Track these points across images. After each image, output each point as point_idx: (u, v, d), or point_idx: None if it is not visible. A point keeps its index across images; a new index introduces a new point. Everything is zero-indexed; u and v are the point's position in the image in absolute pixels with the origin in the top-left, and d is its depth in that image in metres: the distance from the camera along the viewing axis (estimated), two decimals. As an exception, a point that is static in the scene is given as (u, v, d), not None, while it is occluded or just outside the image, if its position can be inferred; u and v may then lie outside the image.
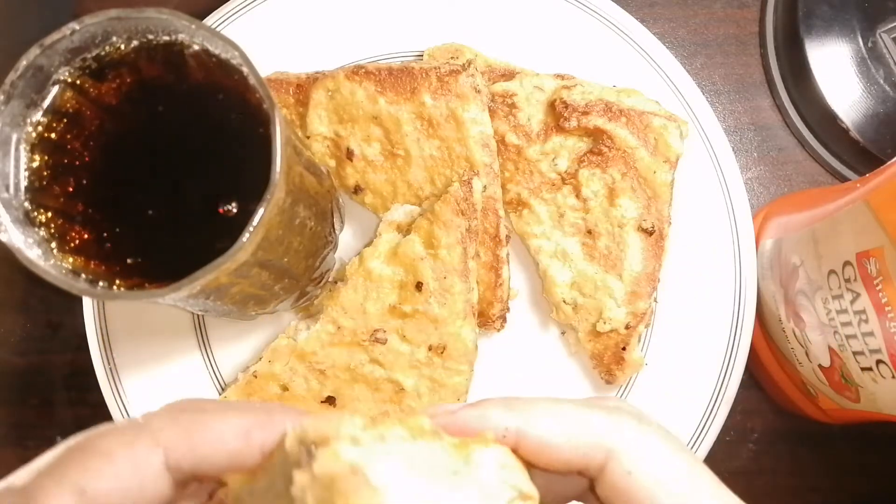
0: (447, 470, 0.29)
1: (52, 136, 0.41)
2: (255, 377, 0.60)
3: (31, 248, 0.39)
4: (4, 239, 0.38)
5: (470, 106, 0.60)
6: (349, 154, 0.61)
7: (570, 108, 0.61)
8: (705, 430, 0.63)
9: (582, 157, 0.62)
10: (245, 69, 0.39)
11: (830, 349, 0.55)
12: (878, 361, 0.49)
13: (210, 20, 0.66)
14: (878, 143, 0.67)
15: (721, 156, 0.65)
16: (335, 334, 0.59)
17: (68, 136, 0.41)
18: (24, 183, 0.40)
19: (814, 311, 0.55)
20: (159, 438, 0.31)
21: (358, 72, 0.60)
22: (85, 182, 0.41)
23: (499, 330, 0.63)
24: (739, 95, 0.73)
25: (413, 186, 0.61)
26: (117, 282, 0.40)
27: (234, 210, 0.41)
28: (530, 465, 0.33)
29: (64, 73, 0.40)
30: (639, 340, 0.63)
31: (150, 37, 0.41)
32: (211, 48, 0.40)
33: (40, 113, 0.40)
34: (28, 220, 0.40)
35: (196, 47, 0.40)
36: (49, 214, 0.40)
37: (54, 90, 0.40)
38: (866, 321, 0.49)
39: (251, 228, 0.37)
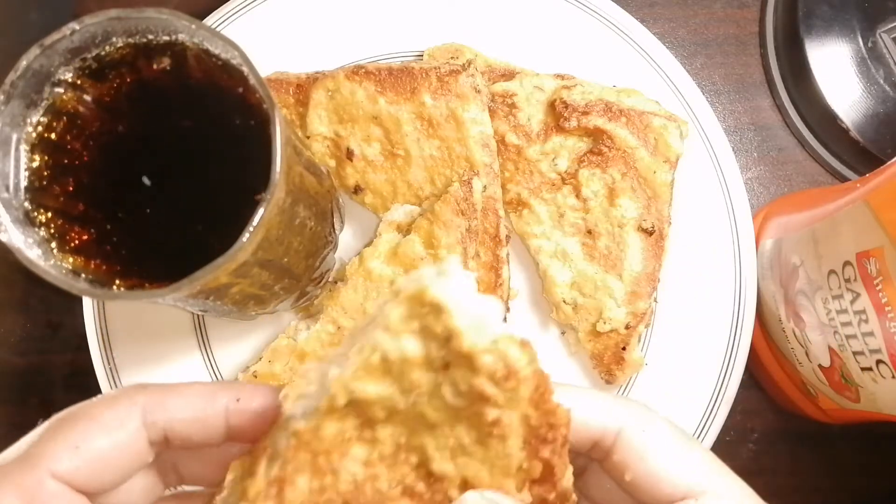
0: None
1: (52, 136, 0.41)
2: (255, 377, 0.60)
3: (31, 248, 0.39)
4: (4, 239, 0.38)
5: (470, 106, 0.60)
6: (349, 154, 0.61)
7: (570, 108, 0.61)
8: (705, 430, 0.63)
9: (582, 157, 0.62)
10: (245, 69, 0.39)
11: (830, 349, 0.55)
12: (878, 361, 0.49)
13: (210, 20, 0.66)
14: (878, 143, 0.67)
15: (721, 156, 0.65)
16: (335, 334, 0.59)
17: (68, 136, 0.41)
18: (24, 183, 0.40)
19: (814, 311, 0.55)
20: (136, 400, 0.36)
21: (358, 72, 0.60)
22: (85, 182, 0.41)
23: (499, 330, 0.63)
24: (739, 95, 0.73)
25: (413, 186, 0.61)
26: (117, 282, 0.40)
27: (234, 210, 0.41)
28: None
29: (64, 73, 0.40)
30: (639, 340, 0.63)
31: (150, 37, 0.40)
32: (211, 48, 0.40)
33: (40, 113, 0.40)
34: (28, 220, 0.40)
35: (196, 47, 0.40)
36: (49, 214, 0.40)
37: (54, 90, 0.40)
38: (866, 321, 0.49)
39: (251, 228, 0.37)
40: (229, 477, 0.38)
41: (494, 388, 0.34)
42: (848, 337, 0.52)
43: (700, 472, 0.37)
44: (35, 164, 0.40)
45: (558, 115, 0.61)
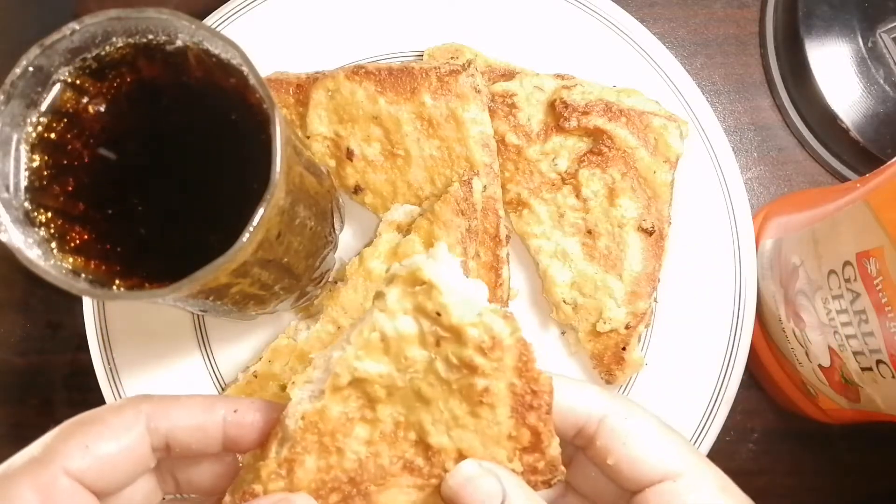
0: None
1: (52, 136, 0.41)
2: (255, 377, 0.60)
3: (31, 248, 0.39)
4: (4, 239, 0.38)
5: (470, 106, 0.60)
6: (349, 154, 0.61)
7: (570, 108, 0.61)
8: (705, 430, 0.63)
9: (582, 157, 0.62)
10: (245, 69, 0.39)
11: (830, 349, 0.55)
12: (878, 361, 0.49)
13: (210, 20, 0.66)
14: (878, 143, 0.67)
15: (721, 156, 0.65)
16: (335, 334, 0.59)
17: (68, 136, 0.41)
18: (24, 183, 0.40)
19: (814, 311, 0.55)
20: (141, 408, 0.39)
21: (358, 72, 0.60)
22: (85, 182, 0.41)
23: (499, 330, 0.63)
24: (739, 95, 0.73)
25: (413, 186, 0.61)
26: (117, 282, 0.40)
27: (234, 210, 0.41)
28: None
29: (64, 73, 0.40)
30: (639, 340, 0.63)
31: (150, 37, 0.40)
32: (211, 48, 0.40)
33: (40, 113, 0.40)
34: (28, 220, 0.40)
35: (196, 47, 0.40)
36: (49, 214, 0.40)
37: (54, 90, 0.40)
38: (866, 321, 0.49)
39: (251, 228, 0.37)
40: (245, 458, 0.41)
41: (482, 358, 0.38)
42: (848, 337, 0.52)
43: (677, 456, 0.39)
44: (35, 164, 0.40)
45: (558, 115, 0.61)
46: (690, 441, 0.62)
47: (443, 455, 0.39)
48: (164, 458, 0.41)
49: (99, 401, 0.63)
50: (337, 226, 0.57)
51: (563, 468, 0.41)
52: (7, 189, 0.39)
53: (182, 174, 0.44)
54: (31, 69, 0.39)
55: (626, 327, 0.61)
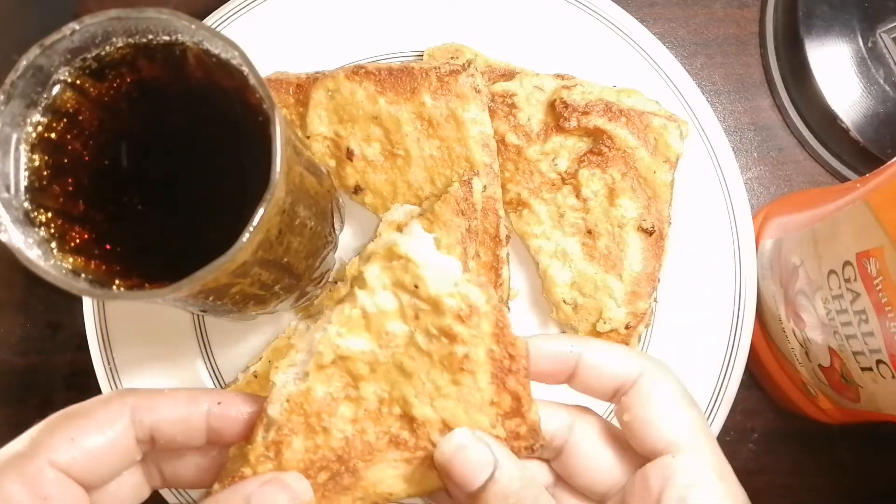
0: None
1: (52, 136, 0.41)
2: (255, 377, 0.60)
3: (31, 248, 0.39)
4: (4, 239, 0.38)
5: (470, 106, 0.60)
6: (349, 154, 0.61)
7: (570, 108, 0.61)
8: (705, 430, 0.63)
9: (582, 157, 0.62)
10: (245, 69, 0.39)
11: (830, 349, 0.55)
12: (878, 361, 0.49)
13: (210, 20, 0.66)
14: (878, 143, 0.67)
15: (721, 156, 0.65)
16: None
17: (68, 136, 0.41)
18: (24, 183, 0.40)
19: (814, 311, 0.55)
20: (126, 401, 0.40)
21: (358, 72, 0.60)
22: (85, 182, 0.41)
23: (499, 330, 0.63)
24: (739, 95, 0.73)
25: (413, 186, 0.61)
26: (117, 282, 0.40)
27: (234, 210, 0.41)
28: (581, 389, 0.43)
29: (64, 73, 0.40)
30: (639, 340, 0.63)
31: (150, 37, 0.40)
32: (211, 48, 0.40)
33: (40, 113, 0.40)
34: (28, 220, 0.40)
35: (196, 47, 0.40)
36: (49, 214, 0.40)
37: (54, 90, 0.40)
38: (866, 321, 0.49)
39: (251, 228, 0.37)
40: (232, 451, 0.42)
41: (461, 326, 0.39)
42: (848, 337, 0.52)
43: (685, 431, 0.40)
44: (35, 164, 0.40)
45: (558, 115, 0.61)
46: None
47: (427, 426, 0.40)
48: (149, 450, 0.41)
49: (99, 401, 0.63)
50: (337, 226, 0.57)
51: (544, 434, 0.42)
52: (7, 189, 0.39)
53: (182, 174, 0.44)
54: (31, 69, 0.39)
55: (626, 327, 0.61)
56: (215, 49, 0.40)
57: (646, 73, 0.65)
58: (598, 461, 0.43)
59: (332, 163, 0.62)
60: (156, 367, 0.64)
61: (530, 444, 0.42)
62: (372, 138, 0.61)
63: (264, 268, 0.44)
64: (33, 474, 0.36)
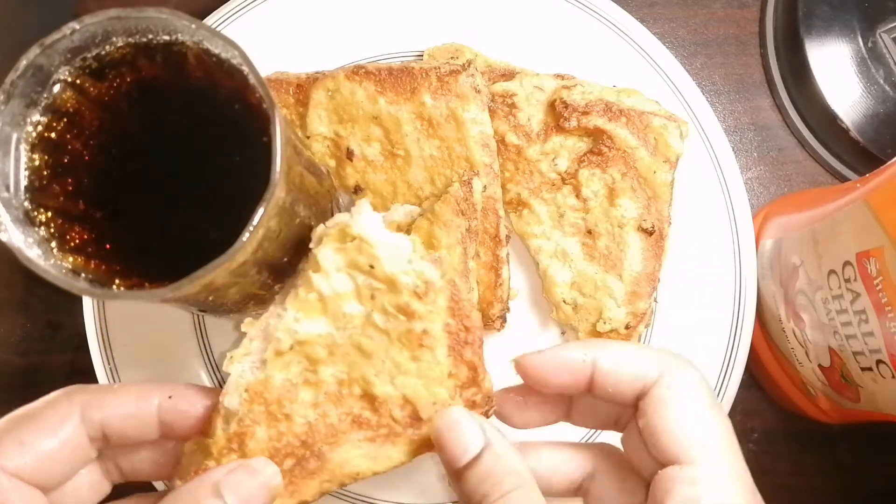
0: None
1: (52, 135, 0.41)
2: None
3: (31, 248, 0.39)
4: (4, 238, 0.38)
5: (470, 106, 0.60)
6: (349, 154, 0.61)
7: (570, 108, 0.61)
8: (705, 430, 0.63)
9: (582, 157, 0.62)
10: (245, 69, 0.39)
11: (830, 349, 0.55)
12: (878, 361, 0.49)
13: (210, 20, 0.66)
14: (878, 143, 0.67)
15: (721, 156, 0.65)
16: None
17: (68, 136, 0.41)
18: (24, 182, 0.40)
19: (814, 311, 0.55)
20: (74, 399, 0.40)
21: (358, 72, 0.60)
22: (85, 181, 0.41)
23: (499, 330, 0.63)
24: (739, 95, 0.73)
25: (413, 186, 0.61)
26: (117, 281, 0.40)
27: (234, 210, 0.41)
28: (600, 397, 0.42)
29: (64, 73, 0.40)
30: (639, 340, 0.63)
31: (150, 36, 0.40)
32: (211, 48, 0.40)
33: (40, 112, 0.40)
34: (28, 220, 0.40)
35: (196, 47, 0.40)
36: (49, 214, 0.40)
37: (54, 90, 0.40)
38: (866, 321, 0.49)
39: (251, 228, 0.37)
40: (187, 447, 0.42)
41: (418, 302, 0.40)
42: (848, 337, 0.52)
43: (698, 442, 0.38)
44: (35, 164, 0.40)
45: (558, 115, 0.61)
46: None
47: (389, 404, 0.41)
48: (104, 447, 0.41)
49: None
50: (337, 226, 0.57)
51: (496, 398, 0.43)
52: (7, 188, 0.39)
53: (182, 174, 0.44)
54: (31, 69, 0.39)
55: (626, 327, 0.61)
56: (215, 49, 0.40)
57: (646, 73, 0.65)
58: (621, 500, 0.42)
59: (332, 163, 0.62)
60: (156, 367, 0.63)
61: (485, 410, 0.42)
62: (372, 138, 0.61)
63: (264, 267, 0.44)
64: None
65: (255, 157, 0.38)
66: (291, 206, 0.43)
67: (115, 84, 0.41)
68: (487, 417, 0.43)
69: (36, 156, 0.40)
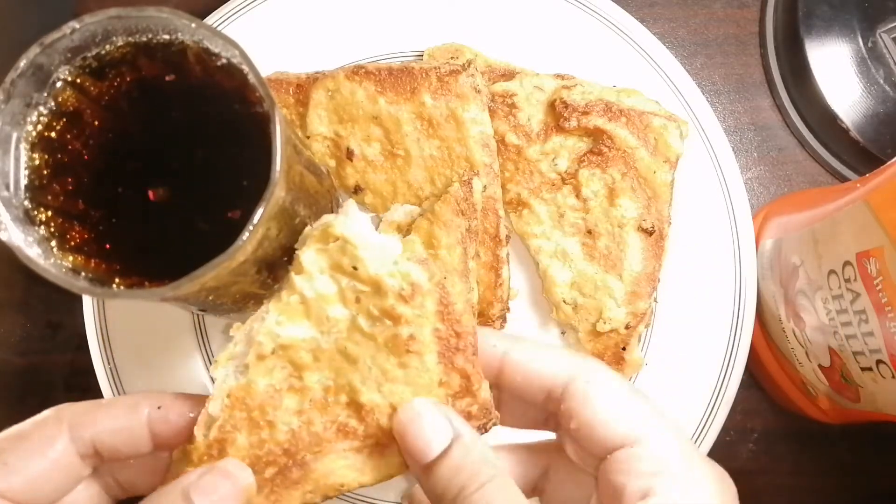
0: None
1: (52, 134, 0.41)
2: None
3: (31, 247, 0.39)
4: (4, 237, 0.38)
5: (470, 106, 0.60)
6: (349, 154, 0.61)
7: (570, 108, 0.61)
8: (705, 430, 0.63)
9: (582, 157, 0.62)
10: (245, 68, 0.39)
11: (830, 349, 0.55)
12: (878, 361, 0.49)
13: (210, 20, 0.66)
14: (878, 143, 0.67)
15: (721, 156, 0.65)
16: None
17: (68, 135, 0.41)
18: (24, 181, 0.40)
19: (814, 311, 0.55)
20: (62, 417, 0.39)
21: (358, 72, 0.60)
22: (85, 181, 0.41)
23: (499, 330, 0.63)
24: (739, 95, 0.73)
25: (413, 186, 0.61)
26: (117, 280, 0.40)
27: (234, 209, 0.41)
28: (510, 391, 0.41)
29: (64, 72, 0.40)
30: (639, 340, 0.63)
31: (150, 36, 0.41)
32: (211, 47, 0.40)
33: (40, 112, 0.40)
34: (28, 219, 0.40)
35: (196, 46, 0.40)
36: (49, 213, 0.40)
37: (54, 89, 0.40)
38: (866, 321, 0.49)
39: (251, 227, 0.37)
40: (175, 455, 0.41)
41: (404, 306, 0.38)
42: (848, 337, 0.52)
43: (639, 421, 0.38)
44: (35, 163, 0.40)
45: (558, 115, 0.61)
46: (690, 440, 0.62)
47: (376, 413, 0.39)
48: (98, 464, 0.41)
49: (99, 400, 0.63)
50: (337, 225, 0.57)
51: (496, 412, 0.40)
52: (7, 188, 0.39)
53: (182, 173, 0.44)
54: (31, 68, 0.39)
55: (626, 327, 0.61)
56: (215, 48, 0.40)
57: (646, 73, 0.65)
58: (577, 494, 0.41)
59: (332, 163, 0.62)
60: (156, 367, 0.63)
61: (483, 423, 0.40)
62: (372, 138, 0.61)
63: (264, 267, 0.44)
64: None
65: (254, 156, 0.38)
66: (291, 205, 0.43)
67: (115, 83, 0.41)
68: (486, 432, 0.41)
69: (36, 155, 0.40)
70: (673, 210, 0.63)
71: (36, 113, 0.40)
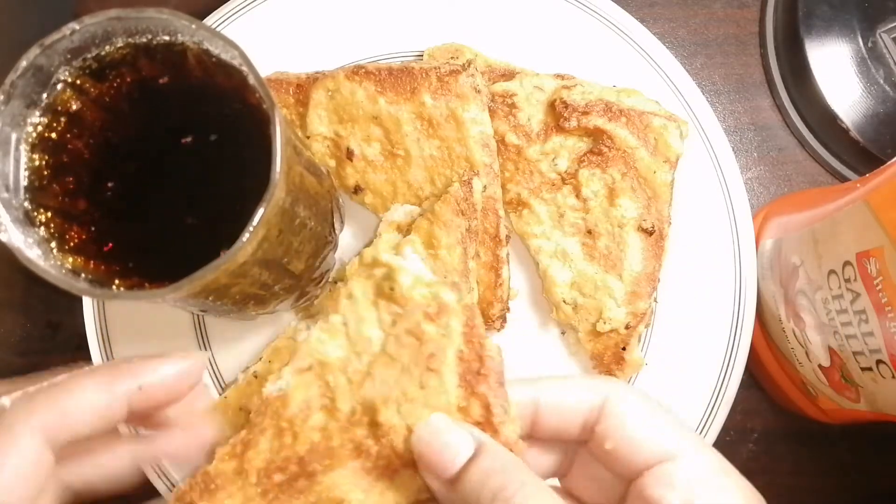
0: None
1: (53, 135, 0.41)
2: (255, 377, 0.60)
3: (31, 248, 0.39)
4: (4, 239, 0.38)
5: (470, 106, 0.60)
6: (349, 154, 0.61)
7: (570, 108, 0.61)
8: (705, 430, 0.63)
9: (582, 157, 0.62)
10: (245, 69, 0.39)
11: (830, 349, 0.55)
12: (878, 361, 0.49)
13: (210, 20, 0.66)
14: (878, 143, 0.67)
15: (721, 156, 0.65)
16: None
17: (68, 136, 0.41)
18: (24, 182, 0.40)
19: (814, 311, 0.55)
20: (31, 420, 0.36)
21: (358, 72, 0.60)
22: (85, 182, 0.41)
23: (499, 330, 0.63)
24: (739, 95, 0.73)
25: (413, 186, 0.61)
26: (117, 281, 0.40)
27: (234, 210, 0.41)
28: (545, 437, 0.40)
29: (64, 73, 0.40)
30: (639, 340, 0.63)
31: (150, 37, 0.40)
32: (211, 48, 0.40)
33: (40, 113, 0.40)
34: (28, 220, 0.40)
35: (196, 47, 0.40)
36: (49, 214, 0.40)
37: (54, 90, 0.40)
38: (866, 321, 0.49)
39: (251, 228, 0.37)
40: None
41: (429, 324, 0.38)
42: (848, 337, 0.52)
43: (675, 438, 0.38)
44: (35, 164, 0.40)
45: (558, 115, 0.61)
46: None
47: (391, 434, 0.39)
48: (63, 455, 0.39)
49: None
50: (337, 226, 0.57)
51: (523, 445, 0.39)
52: (7, 189, 0.39)
53: (182, 174, 0.44)
54: (31, 69, 0.39)
55: (626, 327, 0.61)
56: (215, 49, 0.40)
57: (646, 73, 0.65)
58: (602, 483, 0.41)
59: (332, 163, 0.62)
60: (156, 367, 0.63)
61: None
62: (372, 138, 0.61)
63: (264, 268, 0.44)
64: None
65: (254, 157, 0.38)
66: (291, 206, 0.43)
67: (115, 84, 0.41)
68: None
69: (36, 156, 0.40)
70: (673, 210, 0.63)
71: (36, 114, 0.40)
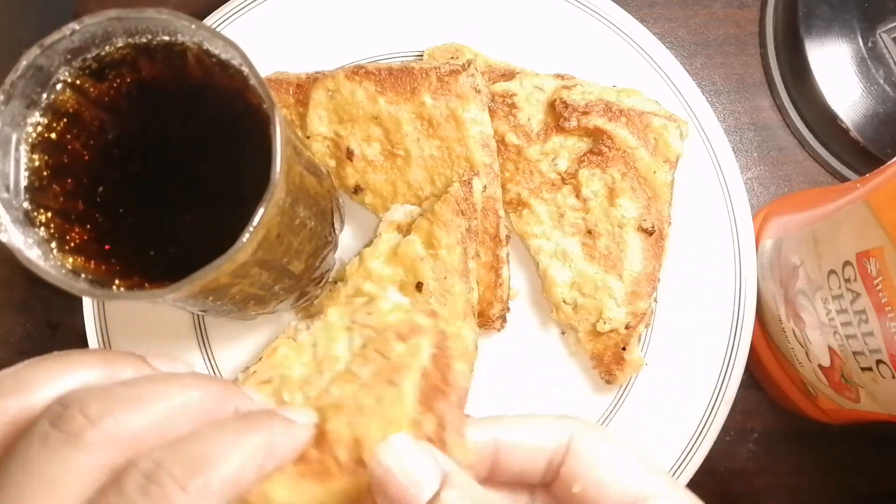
0: None
1: (52, 136, 0.41)
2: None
3: (31, 248, 0.39)
4: (4, 239, 0.38)
5: (470, 106, 0.60)
6: (349, 154, 0.61)
7: (570, 108, 0.61)
8: (705, 430, 0.63)
9: (582, 157, 0.62)
10: (245, 69, 0.39)
11: (830, 349, 0.55)
12: (878, 361, 0.49)
13: (210, 20, 0.66)
14: (878, 143, 0.67)
15: (721, 156, 0.65)
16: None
17: (68, 136, 0.41)
18: (23, 183, 0.40)
19: (814, 311, 0.55)
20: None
21: (358, 72, 0.60)
22: (85, 182, 0.41)
23: (499, 330, 0.63)
24: (739, 95, 0.73)
25: (413, 186, 0.61)
26: (117, 282, 0.40)
27: (234, 210, 0.41)
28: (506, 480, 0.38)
29: (64, 73, 0.40)
30: (639, 340, 0.63)
31: (150, 37, 0.40)
32: (211, 48, 0.40)
33: (40, 113, 0.40)
34: (28, 220, 0.40)
35: (196, 47, 0.40)
36: (49, 214, 0.40)
37: (54, 90, 0.40)
38: (866, 321, 0.49)
39: (251, 228, 0.37)
40: None
41: (399, 342, 0.37)
42: (848, 337, 0.52)
43: (649, 478, 0.36)
44: (35, 164, 0.40)
45: (558, 115, 0.61)
46: (691, 443, 0.62)
47: (336, 444, 0.36)
48: None
49: (99, 401, 0.63)
50: (337, 226, 0.57)
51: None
52: (7, 189, 0.39)
53: (182, 174, 0.44)
54: (31, 69, 0.39)
55: (626, 327, 0.61)
56: (215, 49, 0.40)
57: (646, 73, 0.65)
58: None
59: (332, 163, 0.62)
60: (156, 367, 0.63)
61: None
62: (372, 138, 0.61)
63: (264, 268, 0.44)
64: None
65: (254, 157, 0.38)
66: (291, 206, 0.43)
67: (115, 85, 0.41)
68: None
69: (36, 156, 0.40)
70: (673, 210, 0.63)
71: (36, 114, 0.40)
